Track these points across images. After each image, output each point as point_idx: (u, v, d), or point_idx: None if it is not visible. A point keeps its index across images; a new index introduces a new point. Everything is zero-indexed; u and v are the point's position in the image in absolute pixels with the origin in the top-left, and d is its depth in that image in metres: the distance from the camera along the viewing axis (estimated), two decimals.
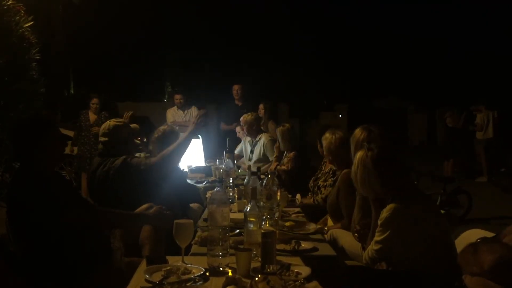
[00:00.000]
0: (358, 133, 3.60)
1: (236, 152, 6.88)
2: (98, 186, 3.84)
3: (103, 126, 4.05)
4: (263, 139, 6.47)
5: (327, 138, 4.11)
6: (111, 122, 4.02)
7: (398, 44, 26.36)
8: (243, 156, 6.95)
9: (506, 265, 1.98)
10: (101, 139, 4.00)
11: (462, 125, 11.22)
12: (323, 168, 4.59)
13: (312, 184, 4.61)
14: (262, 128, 6.89)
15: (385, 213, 2.75)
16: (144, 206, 2.97)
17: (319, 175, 4.60)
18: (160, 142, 4.42)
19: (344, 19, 26.71)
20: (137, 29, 21.50)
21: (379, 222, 2.78)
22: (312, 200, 4.52)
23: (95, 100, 8.39)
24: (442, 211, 3.50)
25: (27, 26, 4.81)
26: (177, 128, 6.18)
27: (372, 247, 2.82)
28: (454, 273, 2.58)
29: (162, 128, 4.53)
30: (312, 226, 3.42)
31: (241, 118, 6.63)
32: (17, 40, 4.69)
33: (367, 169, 2.84)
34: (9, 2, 4.61)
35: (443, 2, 26.27)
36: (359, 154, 2.92)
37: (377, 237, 2.79)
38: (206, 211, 3.80)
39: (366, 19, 26.71)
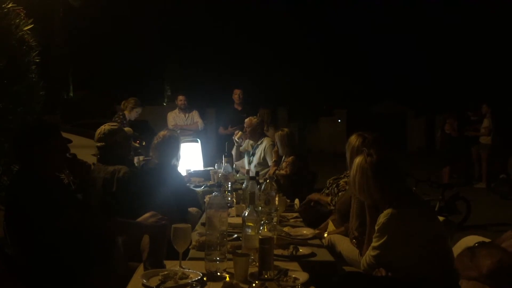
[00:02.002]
0: (353, 140, 3.61)
1: (232, 151, 6.90)
2: (103, 193, 3.82)
3: (98, 131, 4.02)
4: (265, 143, 6.51)
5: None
6: (106, 127, 4.00)
7: (397, 48, 26.38)
8: (239, 158, 6.99)
9: (504, 269, 1.98)
10: (97, 144, 3.98)
11: (457, 133, 11.28)
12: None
13: (331, 181, 4.59)
14: (265, 132, 6.93)
15: (382, 218, 2.76)
16: (147, 215, 2.97)
17: (342, 175, 4.57)
18: (160, 148, 4.41)
19: (344, 21, 26.74)
20: (136, 33, 21.53)
21: (376, 227, 2.79)
22: (329, 199, 4.48)
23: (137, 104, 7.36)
24: (441, 218, 3.49)
25: (27, 29, 4.81)
26: (178, 132, 6.18)
27: (370, 252, 2.82)
28: (452, 278, 2.58)
29: (162, 133, 4.52)
30: (310, 231, 3.42)
31: (246, 120, 6.67)
32: (16, 43, 4.68)
33: (366, 175, 2.84)
34: (9, 5, 4.61)
35: (443, 3, 26.30)
36: (358, 160, 2.92)
37: (374, 243, 2.80)
38: (204, 216, 3.80)
39: (365, 21, 26.71)
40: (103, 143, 3.94)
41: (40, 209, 2.59)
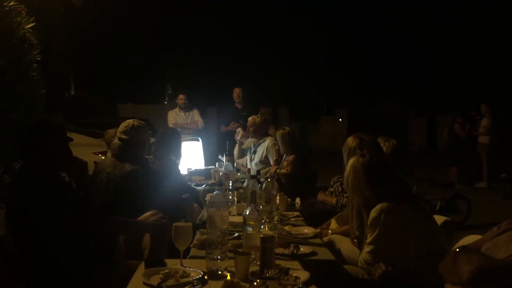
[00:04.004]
0: (350, 141, 3.70)
1: (235, 152, 6.90)
2: (111, 188, 3.74)
3: (126, 123, 3.88)
4: (267, 141, 6.51)
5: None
6: (134, 122, 3.89)
7: (397, 48, 26.36)
8: (241, 156, 6.99)
9: (483, 275, 1.99)
10: (120, 136, 3.84)
11: (466, 134, 11.25)
12: None
13: (335, 180, 4.60)
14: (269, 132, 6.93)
15: (373, 213, 2.83)
16: (148, 213, 2.97)
17: None
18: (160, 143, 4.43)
19: (345, 21, 26.73)
20: (138, 31, 21.53)
21: (368, 223, 2.86)
22: (334, 201, 4.48)
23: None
24: (443, 217, 3.51)
25: (29, 27, 4.80)
26: (179, 130, 6.19)
27: (365, 249, 2.88)
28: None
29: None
30: (311, 230, 3.42)
31: (250, 119, 6.68)
32: (18, 42, 4.68)
33: (358, 175, 2.93)
34: (11, 3, 4.61)
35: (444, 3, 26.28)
36: (351, 160, 3.01)
37: (368, 239, 2.86)
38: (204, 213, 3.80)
39: (365, 21, 26.69)
40: (127, 137, 3.80)
41: (41, 208, 2.60)
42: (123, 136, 3.81)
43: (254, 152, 6.62)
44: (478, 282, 1.97)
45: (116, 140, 3.87)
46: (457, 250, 2.21)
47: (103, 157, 7.88)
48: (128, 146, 3.80)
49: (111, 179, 3.74)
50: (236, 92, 8.47)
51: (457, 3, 24.96)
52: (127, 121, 3.93)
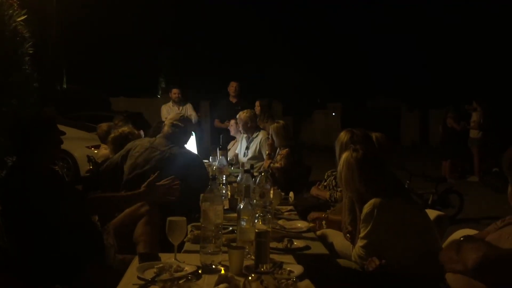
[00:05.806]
0: (342, 136, 3.74)
1: (236, 151, 6.89)
2: (164, 163, 3.88)
3: (179, 114, 4.37)
4: (260, 136, 6.47)
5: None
6: (191, 115, 4.27)
7: (392, 43, 26.39)
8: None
9: (489, 263, 2.00)
10: (177, 123, 4.11)
11: (461, 129, 11.30)
12: None
13: (329, 174, 4.61)
14: (260, 126, 6.89)
15: (366, 208, 2.85)
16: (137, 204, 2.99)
17: None
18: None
19: (338, 17, 26.71)
20: (131, 24, 21.43)
21: (361, 217, 2.88)
22: (328, 195, 4.49)
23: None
24: (436, 211, 3.53)
25: (20, 20, 4.76)
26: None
27: (359, 244, 2.90)
28: (441, 269, 2.62)
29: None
30: (304, 224, 3.43)
31: (237, 116, 6.64)
32: (10, 35, 4.64)
33: (351, 169, 2.94)
34: None
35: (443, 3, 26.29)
36: (344, 155, 3.02)
37: (361, 234, 2.88)
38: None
39: (361, 19, 26.67)
40: (182, 125, 4.10)
41: (36, 203, 2.59)
42: (180, 124, 4.11)
43: (247, 148, 6.59)
44: (483, 270, 1.98)
45: (167, 127, 4.14)
46: (462, 238, 2.23)
47: (95, 151, 7.85)
48: (181, 133, 4.11)
49: (165, 156, 3.94)
50: (233, 86, 8.45)
51: (457, 3, 24.94)
52: (180, 112, 4.41)
